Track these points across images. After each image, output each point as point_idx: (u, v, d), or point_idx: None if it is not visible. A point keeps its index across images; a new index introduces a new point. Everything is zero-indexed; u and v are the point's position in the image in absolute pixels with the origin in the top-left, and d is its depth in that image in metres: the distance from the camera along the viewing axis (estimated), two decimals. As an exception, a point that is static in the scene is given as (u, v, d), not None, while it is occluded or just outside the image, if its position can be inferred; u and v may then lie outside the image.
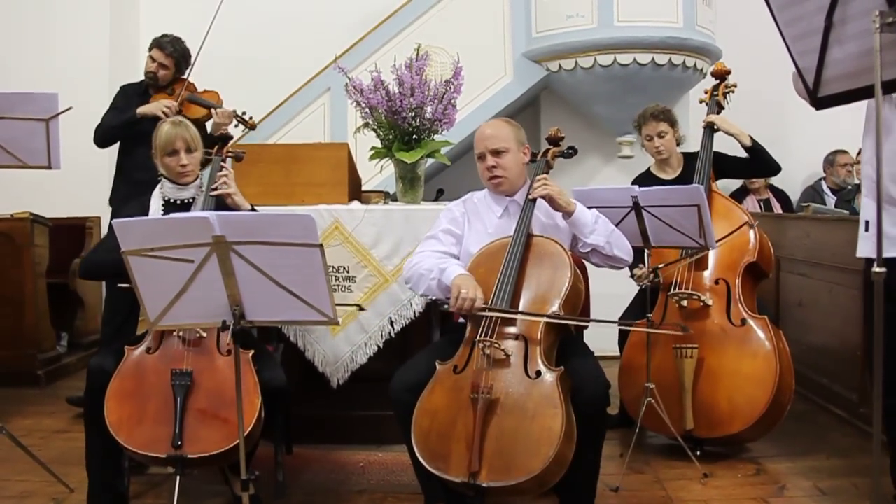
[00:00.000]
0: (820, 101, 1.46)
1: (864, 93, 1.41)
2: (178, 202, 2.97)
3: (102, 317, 4.13)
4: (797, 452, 3.45)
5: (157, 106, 3.85)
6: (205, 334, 2.64)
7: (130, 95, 4.09)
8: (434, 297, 2.75)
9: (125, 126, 3.95)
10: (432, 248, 2.82)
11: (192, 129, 2.95)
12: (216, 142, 3.14)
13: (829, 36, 1.35)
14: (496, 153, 2.80)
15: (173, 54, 4.02)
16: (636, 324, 3.35)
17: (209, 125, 4.02)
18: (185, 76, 4.08)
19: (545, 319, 2.49)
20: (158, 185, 3.00)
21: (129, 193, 3.77)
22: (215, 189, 2.92)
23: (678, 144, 3.93)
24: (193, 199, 2.99)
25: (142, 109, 3.89)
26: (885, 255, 2.18)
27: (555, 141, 2.97)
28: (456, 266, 2.66)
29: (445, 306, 2.59)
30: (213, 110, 3.90)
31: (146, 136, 3.83)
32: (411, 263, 2.78)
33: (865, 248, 2.28)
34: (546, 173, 2.84)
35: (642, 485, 3.14)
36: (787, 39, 1.49)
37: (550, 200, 2.71)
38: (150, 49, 4.05)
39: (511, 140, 2.81)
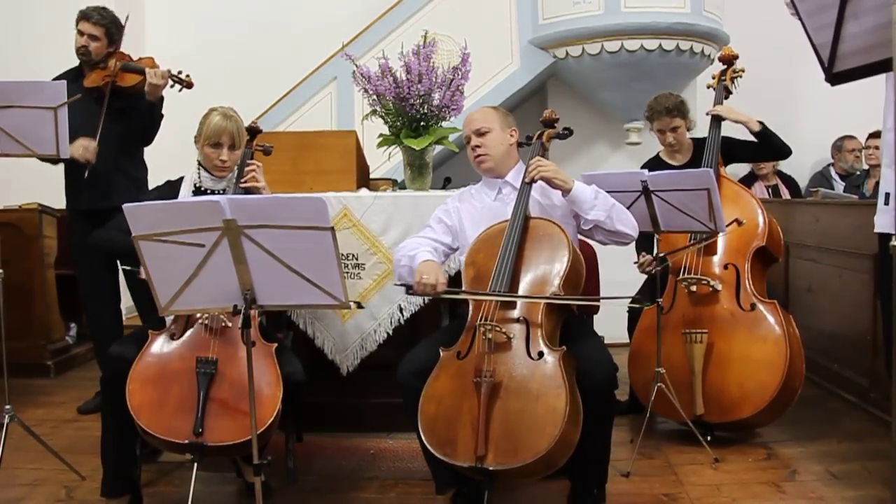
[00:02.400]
0: (835, 77, 1.45)
1: (881, 67, 1.39)
2: (210, 192, 2.97)
3: (86, 307, 4.04)
4: (808, 437, 3.44)
5: (74, 149, 3.53)
6: (230, 324, 2.64)
7: None
8: (402, 282, 2.74)
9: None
10: (424, 234, 2.89)
11: (240, 124, 2.95)
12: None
13: (845, 10, 1.33)
14: (479, 133, 2.85)
15: (101, 22, 3.81)
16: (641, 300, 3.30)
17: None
18: (118, 47, 3.88)
19: (498, 298, 2.51)
20: (192, 171, 3.00)
21: (81, 188, 3.78)
22: (245, 182, 2.92)
23: (689, 130, 3.90)
24: (225, 190, 2.99)
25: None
26: None
27: (549, 123, 2.98)
28: (425, 253, 2.72)
29: (410, 290, 2.62)
30: (146, 71, 3.67)
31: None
32: (399, 252, 2.82)
33: (884, 222, 2.21)
34: (542, 155, 2.85)
35: (653, 470, 3.14)
36: (802, 15, 1.48)
37: (547, 181, 2.71)
38: (77, 23, 3.84)
39: (494, 121, 2.86)
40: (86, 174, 3.70)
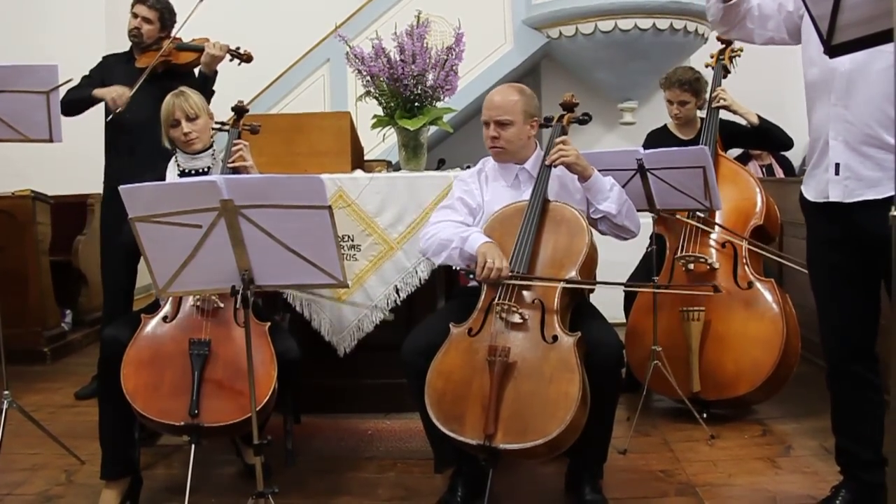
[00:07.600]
0: (834, 49, 1.44)
1: (880, 38, 1.38)
2: (193, 172, 2.94)
3: (103, 286, 4.03)
4: (802, 413, 3.47)
5: (108, 92, 3.67)
6: (222, 304, 2.63)
7: (110, 64, 3.93)
8: (458, 268, 2.70)
9: (81, 103, 3.77)
10: (448, 217, 2.77)
11: (191, 97, 2.91)
12: (234, 112, 3.11)
13: (846, -21, 1.34)
14: (500, 125, 2.74)
15: (156, 6, 3.82)
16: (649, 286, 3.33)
17: (197, 71, 3.87)
18: (171, 33, 3.90)
19: (564, 285, 2.48)
20: (173, 157, 2.98)
21: (122, 167, 3.76)
22: (232, 161, 2.90)
23: (699, 108, 3.88)
24: (209, 168, 2.96)
25: (97, 92, 3.72)
26: (862, 197, 2.16)
27: (569, 107, 2.93)
28: (478, 234, 2.62)
29: (471, 275, 2.55)
30: (206, 45, 3.73)
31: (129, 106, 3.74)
32: (428, 234, 2.73)
33: (836, 191, 2.23)
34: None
35: (650, 447, 3.17)
36: (801, -16, 1.47)
37: (567, 166, 2.70)
38: (133, 6, 3.86)
39: (518, 112, 2.74)
40: (108, 118, 3.72)
